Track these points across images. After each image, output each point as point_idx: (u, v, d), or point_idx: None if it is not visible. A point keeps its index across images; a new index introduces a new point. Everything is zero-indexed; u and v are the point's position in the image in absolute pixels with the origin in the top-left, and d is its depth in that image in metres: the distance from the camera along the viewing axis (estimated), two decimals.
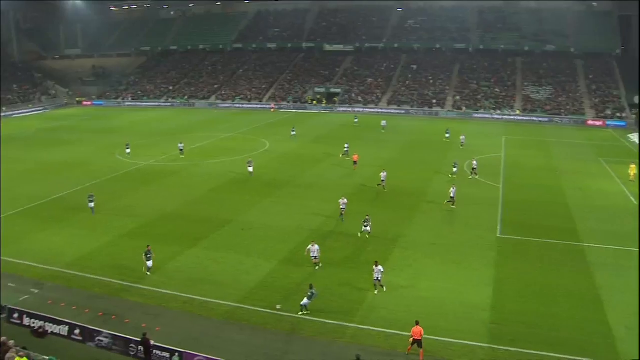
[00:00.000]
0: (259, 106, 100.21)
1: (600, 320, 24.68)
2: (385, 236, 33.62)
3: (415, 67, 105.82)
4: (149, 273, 27.80)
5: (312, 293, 24.62)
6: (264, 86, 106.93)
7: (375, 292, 26.28)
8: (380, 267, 26.44)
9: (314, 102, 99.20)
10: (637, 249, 32.07)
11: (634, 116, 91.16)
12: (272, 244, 32.29)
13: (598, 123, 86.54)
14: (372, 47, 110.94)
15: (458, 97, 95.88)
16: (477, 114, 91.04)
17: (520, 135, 73.69)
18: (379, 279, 26.33)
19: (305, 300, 24.60)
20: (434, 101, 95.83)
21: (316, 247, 28.75)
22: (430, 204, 40.28)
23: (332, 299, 25.93)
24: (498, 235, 34.39)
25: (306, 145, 62.71)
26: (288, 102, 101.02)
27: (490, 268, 29.71)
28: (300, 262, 29.87)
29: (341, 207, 34.26)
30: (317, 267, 28.66)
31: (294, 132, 67.36)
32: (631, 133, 78.86)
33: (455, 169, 47.80)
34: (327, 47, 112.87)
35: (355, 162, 50.04)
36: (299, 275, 28.36)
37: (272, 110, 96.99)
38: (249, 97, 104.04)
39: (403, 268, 29.60)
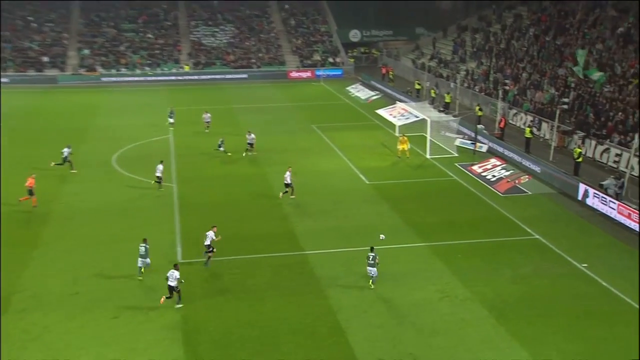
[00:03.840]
0: None
1: (346, 358, 26.84)
2: None
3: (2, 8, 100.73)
4: None
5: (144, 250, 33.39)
6: None
7: None
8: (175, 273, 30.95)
9: None
10: (390, 247, 37.05)
11: (352, 60, 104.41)
12: None
13: (305, 74, 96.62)
14: None
15: (87, 52, 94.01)
16: (122, 75, 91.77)
17: (195, 103, 77.29)
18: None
19: (140, 261, 33.27)
20: (46, 60, 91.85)
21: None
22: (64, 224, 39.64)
23: None
24: (180, 261, 35.21)
25: None
26: None
27: (174, 315, 30.15)
28: None
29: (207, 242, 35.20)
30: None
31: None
32: (351, 84, 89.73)
33: (221, 149, 54.81)
34: None
35: (30, 192, 43.08)
36: None
37: None
38: None
39: (27, 344, 27.83)
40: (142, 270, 33.36)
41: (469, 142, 57.45)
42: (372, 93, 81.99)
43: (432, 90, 76.00)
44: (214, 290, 32.08)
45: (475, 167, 51.55)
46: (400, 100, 71.79)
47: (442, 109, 68.25)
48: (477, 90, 73.35)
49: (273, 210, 42.57)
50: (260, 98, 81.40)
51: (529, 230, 39.51)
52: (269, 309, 30.33)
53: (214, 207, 43.33)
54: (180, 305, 30.61)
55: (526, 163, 50.88)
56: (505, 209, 43.00)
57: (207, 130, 62.38)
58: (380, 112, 66.69)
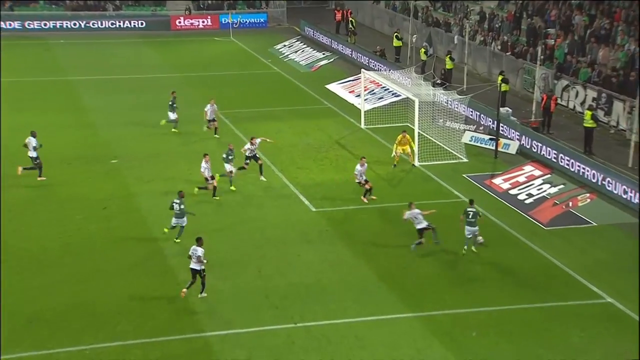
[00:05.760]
0: None
1: None
2: None
3: None
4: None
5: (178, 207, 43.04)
6: None
7: None
8: None
9: None
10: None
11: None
12: None
13: (201, 22, 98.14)
14: None
15: None
16: None
17: (17, 71, 77.08)
18: None
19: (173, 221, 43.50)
20: None
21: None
22: None
23: None
24: None
25: None
26: None
27: None
28: None
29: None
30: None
31: None
32: (283, 40, 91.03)
33: (228, 165, 52.46)
34: None
35: None
36: None
37: None
38: None
39: None
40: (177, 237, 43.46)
41: (487, 137, 57.89)
42: (320, 55, 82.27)
43: (422, 50, 76.41)
44: None
45: (498, 181, 51.94)
46: (368, 68, 72.29)
47: (439, 81, 68.54)
48: (499, 47, 73.75)
49: (149, 259, 42.14)
50: (121, 64, 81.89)
51: (593, 288, 39.37)
52: None
53: (44, 256, 42.37)
54: (204, 295, 37.86)
55: (587, 172, 51.15)
56: (552, 251, 43.00)
57: (216, 135, 61.53)
58: (334, 87, 66.90)
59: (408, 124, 57.51)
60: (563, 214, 47.27)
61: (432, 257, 42.28)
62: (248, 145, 53.04)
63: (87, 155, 54.62)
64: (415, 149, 55.21)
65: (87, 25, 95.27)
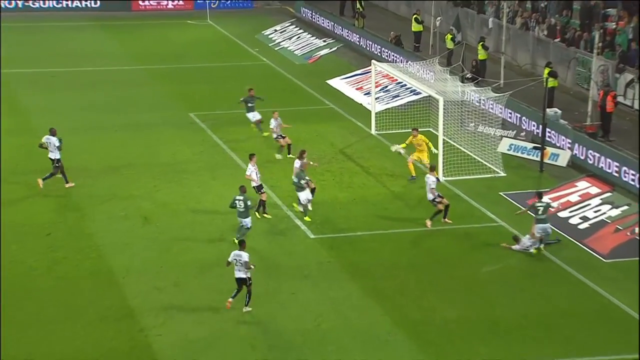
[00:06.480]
0: None
1: None
2: None
3: None
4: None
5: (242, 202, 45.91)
6: None
7: None
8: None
9: None
10: None
11: None
12: None
13: (171, 1, 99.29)
14: None
15: None
16: None
17: None
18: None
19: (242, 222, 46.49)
20: None
21: None
22: None
23: None
24: None
25: None
26: None
27: None
28: None
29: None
30: None
31: None
32: (273, 24, 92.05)
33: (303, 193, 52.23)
34: None
35: None
36: None
37: None
38: None
39: None
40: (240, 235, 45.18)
41: (530, 146, 57.73)
42: (320, 42, 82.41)
43: (448, 36, 76.93)
44: None
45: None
46: (380, 59, 72.48)
47: (470, 75, 68.43)
48: (544, 33, 73.59)
49: (104, 300, 41.79)
50: (69, 54, 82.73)
51: None
52: None
53: None
54: (250, 309, 39.94)
55: None
56: (614, 289, 42.46)
57: (279, 155, 60.14)
58: (337, 83, 66.79)
59: (430, 129, 57.11)
60: (627, 243, 46.89)
61: (462, 295, 41.87)
62: (299, 161, 51.77)
63: (26, 169, 54.70)
64: (440, 159, 54.66)
65: (26, 4, 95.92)
